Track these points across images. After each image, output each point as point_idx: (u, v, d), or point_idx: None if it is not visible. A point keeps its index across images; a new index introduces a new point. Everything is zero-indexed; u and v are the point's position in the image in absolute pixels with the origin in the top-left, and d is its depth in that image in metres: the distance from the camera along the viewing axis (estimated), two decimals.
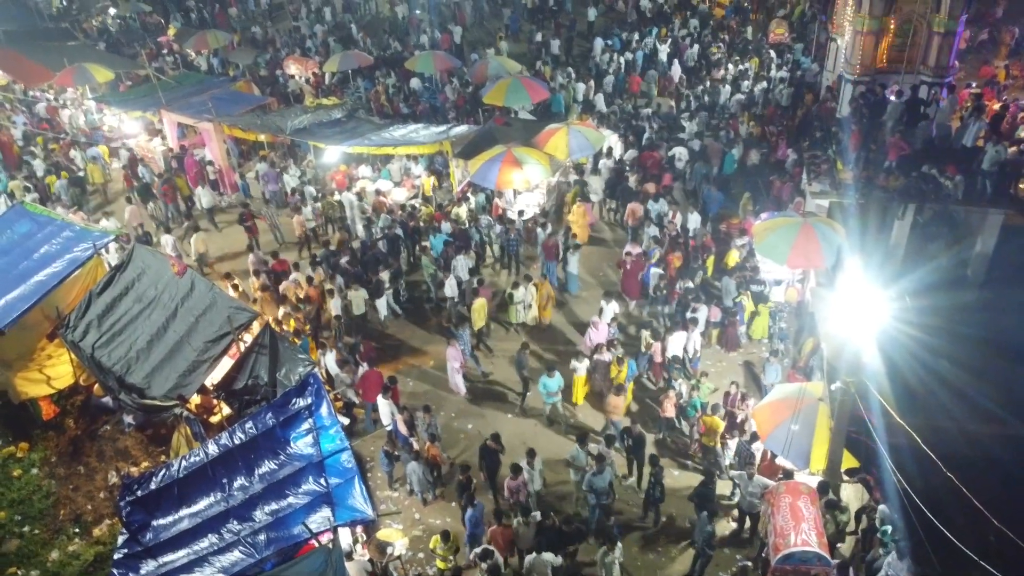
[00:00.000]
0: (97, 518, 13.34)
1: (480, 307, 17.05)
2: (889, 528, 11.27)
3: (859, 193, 18.06)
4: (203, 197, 22.74)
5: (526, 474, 12.72)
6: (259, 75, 32.45)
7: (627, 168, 22.58)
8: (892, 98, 20.50)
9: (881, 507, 11.59)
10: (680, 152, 23.19)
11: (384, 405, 14.47)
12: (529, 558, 11.44)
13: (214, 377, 13.75)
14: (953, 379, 13.71)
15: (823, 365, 14.02)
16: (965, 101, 22.48)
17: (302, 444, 10.92)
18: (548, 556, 11.34)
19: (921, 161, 17.91)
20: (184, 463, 10.80)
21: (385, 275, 18.14)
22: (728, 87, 27.78)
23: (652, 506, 13.12)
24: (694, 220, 19.97)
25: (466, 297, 17.99)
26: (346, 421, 14.18)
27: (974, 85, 25.30)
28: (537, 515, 12.04)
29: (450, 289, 17.81)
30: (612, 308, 16.95)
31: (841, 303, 12.01)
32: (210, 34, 33.52)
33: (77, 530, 13.15)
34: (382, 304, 18.02)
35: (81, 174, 24.92)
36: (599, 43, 32.32)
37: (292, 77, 31.55)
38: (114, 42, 37.96)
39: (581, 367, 15.00)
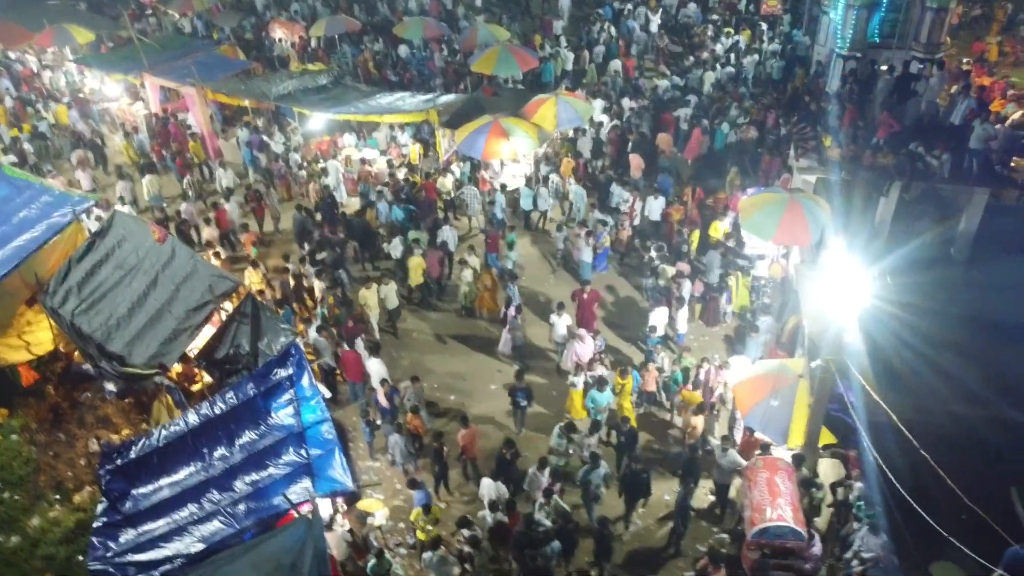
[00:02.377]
0: (78, 485, 13.29)
1: (416, 265, 17.23)
2: (863, 503, 11.41)
3: (845, 170, 18.02)
4: (223, 178, 21.33)
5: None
6: (244, 39, 31.89)
7: (632, 129, 23.07)
8: (883, 68, 20.39)
9: (857, 483, 11.73)
10: (684, 113, 23.73)
11: (375, 364, 14.46)
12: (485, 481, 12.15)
13: (196, 345, 13.67)
14: (935, 357, 13.72)
15: (804, 342, 14.07)
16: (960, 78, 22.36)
17: (283, 415, 10.92)
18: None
19: (910, 139, 17.87)
20: (164, 432, 10.77)
21: (324, 254, 17.71)
22: (719, 66, 27.38)
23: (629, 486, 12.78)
24: (658, 204, 19.48)
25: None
26: (328, 393, 14.14)
27: (965, 61, 25.22)
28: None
29: (395, 251, 18.08)
30: (564, 321, 15.55)
31: (825, 281, 12.04)
32: None
33: (58, 497, 13.10)
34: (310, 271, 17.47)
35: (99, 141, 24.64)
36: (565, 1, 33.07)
37: (278, 41, 31.03)
38: (96, 3, 37.14)
39: (579, 381, 14.14)
